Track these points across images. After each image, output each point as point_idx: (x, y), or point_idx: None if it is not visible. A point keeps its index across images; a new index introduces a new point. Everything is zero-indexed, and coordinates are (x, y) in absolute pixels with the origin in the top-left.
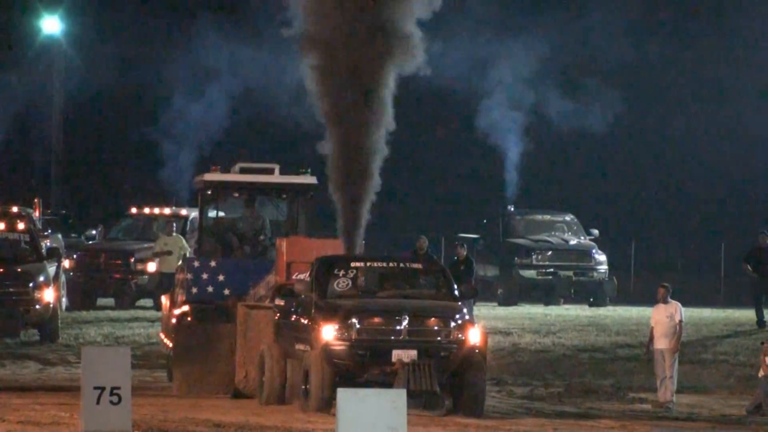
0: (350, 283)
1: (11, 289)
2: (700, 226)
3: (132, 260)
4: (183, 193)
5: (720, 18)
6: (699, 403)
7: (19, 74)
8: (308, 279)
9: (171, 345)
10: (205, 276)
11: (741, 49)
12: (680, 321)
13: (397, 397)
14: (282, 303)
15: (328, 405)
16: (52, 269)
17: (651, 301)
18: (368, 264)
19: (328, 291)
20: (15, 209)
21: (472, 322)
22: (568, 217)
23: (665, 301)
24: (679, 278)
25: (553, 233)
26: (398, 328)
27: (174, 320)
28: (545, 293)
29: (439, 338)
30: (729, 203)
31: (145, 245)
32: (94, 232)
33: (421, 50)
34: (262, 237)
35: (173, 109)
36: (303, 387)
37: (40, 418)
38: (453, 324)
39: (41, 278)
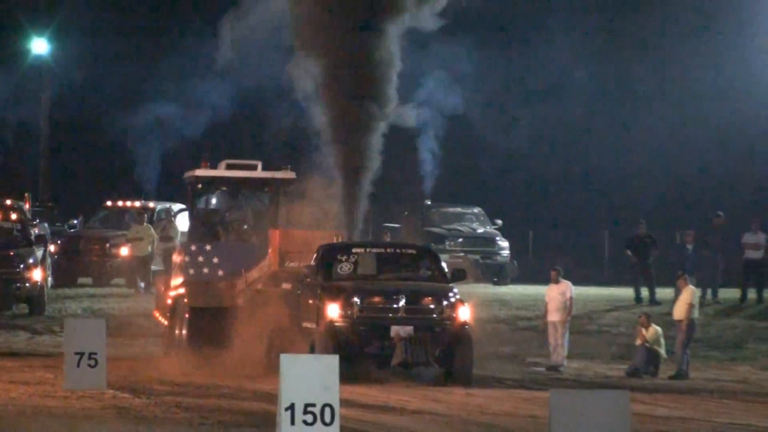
0: (352, 267)
1: (4, 270)
2: (588, 217)
3: (107, 245)
4: (151, 188)
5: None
6: (586, 367)
7: (9, 89)
8: (313, 264)
9: (165, 323)
10: (201, 259)
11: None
12: (570, 298)
13: (331, 361)
14: (289, 286)
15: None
16: (39, 253)
17: (546, 280)
18: (367, 250)
19: (332, 274)
20: (8, 202)
21: (461, 301)
22: (476, 210)
23: (557, 281)
24: (569, 261)
25: (463, 223)
26: (396, 306)
27: (170, 300)
28: None
29: (433, 315)
30: (613, 197)
31: (119, 233)
32: (75, 221)
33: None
34: (246, 226)
35: (145, 115)
36: None
37: (29, 379)
38: (445, 302)
39: (30, 260)
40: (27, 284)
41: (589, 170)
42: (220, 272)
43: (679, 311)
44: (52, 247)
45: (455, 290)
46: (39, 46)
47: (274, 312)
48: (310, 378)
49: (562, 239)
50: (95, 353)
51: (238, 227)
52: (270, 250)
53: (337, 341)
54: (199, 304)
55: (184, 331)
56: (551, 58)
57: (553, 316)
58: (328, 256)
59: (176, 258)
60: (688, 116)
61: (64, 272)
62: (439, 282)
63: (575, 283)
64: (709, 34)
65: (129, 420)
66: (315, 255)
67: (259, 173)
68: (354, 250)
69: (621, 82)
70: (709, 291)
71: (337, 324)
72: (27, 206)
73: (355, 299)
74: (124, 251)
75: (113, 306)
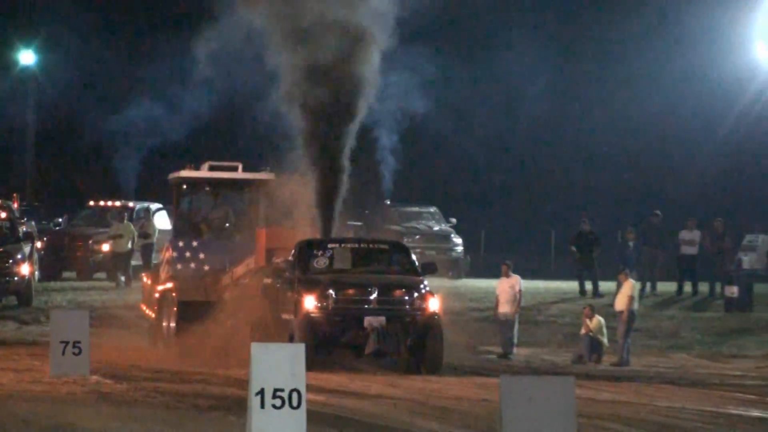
0: (327, 261)
1: None
2: (535, 215)
3: (90, 242)
4: (131, 189)
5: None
6: (534, 355)
7: None
8: (291, 259)
9: (153, 315)
10: (188, 254)
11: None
12: (519, 290)
13: (298, 349)
14: (269, 281)
15: (309, 364)
16: (27, 249)
17: (497, 274)
18: (342, 245)
19: (309, 268)
20: None
21: (431, 293)
22: (431, 209)
23: (507, 275)
24: (518, 257)
25: (420, 221)
26: (369, 298)
27: (157, 294)
28: None
29: (404, 306)
30: (557, 197)
31: (101, 230)
32: (60, 220)
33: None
34: (227, 224)
35: (125, 121)
36: None
37: (17, 366)
38: (416, 294)
39: (19, 256)
40: (15, 278)
41: (538, 173)
42: (207, 268)
43: (620, 303)
44: (38, 244)
45: (425, 283)
46: (26, 57)
47: (256, 305)
48: (278, 365)
49: (512, 236)
50: (79, 342)
51: (220, 225)
52: (257, 248)
53: (314, 331)
54: (187, 297)
55: (172, 324)
56: (506, 66)
57: (504, 308)
58: (305, 251)
59: (165, 254)
60: (630, 123)
61: (50, 267)
62: (410, 275)
63: (524, 277)
64: (650, 41)
65: (111, 404)
66: (293, 250)
67: (240, 174)
68: (329, 245)
69: (566, 89)
70: (648, 284)
71: (313, 315)
72: (15, 205)
73: (331, 291)
74: (106, 247)
75: (95, 298)
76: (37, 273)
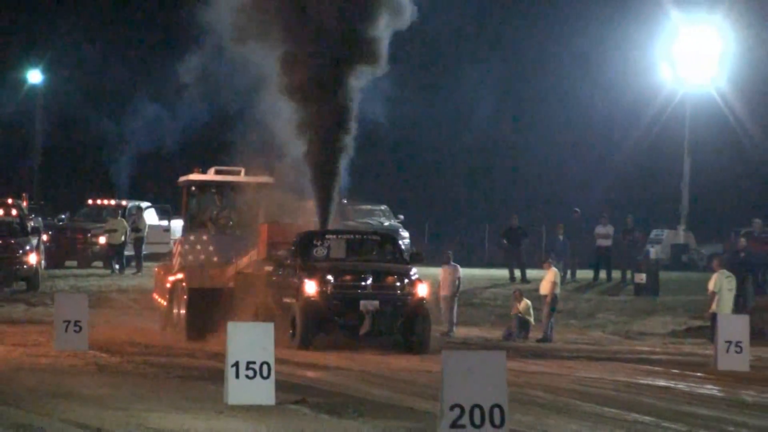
0: (325, 251)
1: (6, 255)
2: (473, 212)
3: (89, 235)
4: (124, 189)
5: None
6: (471, 333)
7: (9, 112)
8: (293, 249)
9: (164, 303)
10: (197, 248)
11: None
12: (458, 277)
13: (267, 327)
14: (270, 269)
15: (308, 342)
16: (35, 241)
17: (439, 263)
18: (338, 236)
19: (309, 257)
20: (9, 201)
21: (420, 280)
22: (382, 207)
23: (448, 263)
24: (458, 248)
25: (373, 218)
26: (364, 284)
27: (168, 285)
28: None
29: (396, 292)
30: (492, 196)
31: (98, 225)
32: (63, 216)
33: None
34: (231, 222)
35: (120, 129)
36: (290, 331)
37: (26, 342)
38: (406, 281)
39: (27, 247)
40: (25, 266)
41: (475, 177)
42: (215, 259)
43: (544, 288)
44: (44, 237)
45: (414, 270)
46: (34, 76)
47: (260, 291)
48: (251, 341)
49: (452, 230)
50: (79, 321)
51: (225, 222)
52: (259, 241)
53: (314, 313)
54: (196, 285)
55: (182, 311)
56: (454, 83)
57: (445, 292)
58: (306, 241)
59: (176, 248)
60: (555, 135)
61: (54, 257)
62: (400, 263)
63: (462, 265)
64: (577, 67)
65: (106, 374)
66: (294, 241)
67: (242, 177)
68: (327, 237)
69: (505, 106)
70: (569, 272)
71: (313, 299)
72: (24, 204)
73: (329, 277)
74: (102, 240)
75: (93, 284)
76: (43, 262)
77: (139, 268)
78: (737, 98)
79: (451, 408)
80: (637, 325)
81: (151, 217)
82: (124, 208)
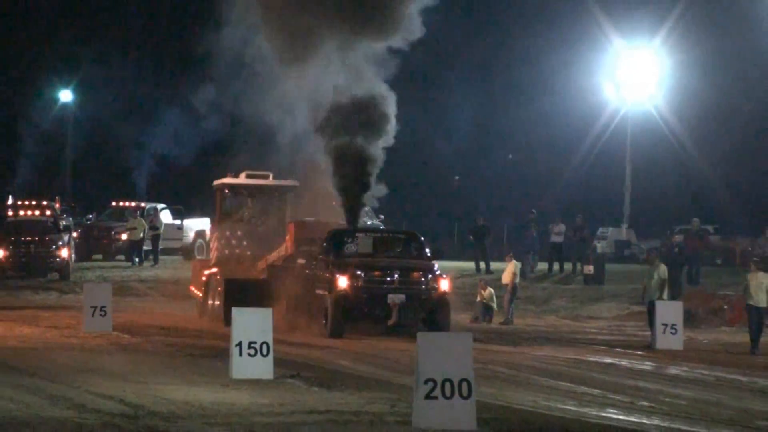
0: (355, 247)
1: (42, 249)
2: (443, 211)
3: (113, 232)
4: (143, 192)
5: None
6: None
7: (44, 126)
8: (324, 245)
9: (200, 295)
10: (230, 244)
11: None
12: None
13: (266, 312)
14: (303, 262)
15: (340, 332)
16: (66, 238)
17: None
18: (367, 234)
19: (340, 253)
20: (44, 203)
21: (442, 275)
22: (366, 208)
23: None
24: (430, 243)
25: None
26: (391, 279)
27: (204, 278)
28: None
29: (420, 286)
30: (461, 199)
31: (120, 224)
32: (90, 216)
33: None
34: (260, 221)
35: (141, 140)
36: (323, 321)
37: (58, 324)
38: (430, 276)
39: (60, 243)
40: (58, 259)
41: (446, 181)
42: (248, 253)
43: (506, 278)
44: (75, 234)
45: (437, 266)
46: (65, 95)
47: (292, 282)
48: (252, 324)
49: (428, 227)
50: (105, 306)
51: (255, 221)
52: (287, 237)
53: (345, 305)
54: (231, 276)
55: (217, 302)
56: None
57: None
58: (337, 238)
59: (212, 244)
60: (515, 143)
61: (83, 251)
62: (423, 260)
63: (434, 258)
64: (537, 84)
65: (128, 353)
66: (325, 238)
67: (271, 181)
68: (357, 234)
69: (476, 115)
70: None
71: (345, 292)
72: (57, 205)
73: (360, 273)
74: (124, 236)
75: (116, 274)
76: (73, 256)
77: (155, 261)
78: (672, 114)
79: (425, 382)
80: (586, 310)
81: (166, 216)
82: (143, 209)
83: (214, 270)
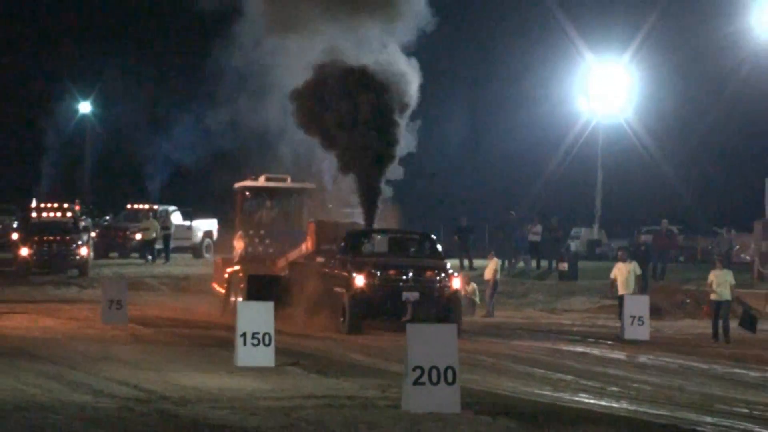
0: (372, 247)
1: (63, 248)
2: (430, 214)
3: (128, 233)
4: (155, 196)
5: None
6: None
7: (66, 136)
8: (342, 245)
9: (223, 291)
10: (255, 241)
11: None
12: None
13: (267, 306)
14: (322, 261)
15: (358, 328)
16: (85, 237)
17: None
18: (383, 234)
19: (358, 252)
20: (66, 205)
21: (454, 273)
22: (359, 210)
23: None
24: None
25: (353, 219)
26: (406, 277)
27: (226, 275)
28: None
29: (433, 284)
30: (445, 200)
31: (134, 224)
32: (107, 217)
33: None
34: (278, 221)
35: (154, 149)
36: (341, 318)
37: (78, 317)
38: (443, 274)
39: (79, 242)
40: (77, 257)
41: (433, 185)
42: (267, 253)
43: (488, 274)
44: (93, 234)
45: (449, 265)
46: (84, 107)
47: (311, 279)
48: (255, 316)
49: (413, 228)
50: (120, 300)
51: (274, 221)
52: (308, 237)
53: (362, 302)
54: (254, 272)
55: (239, 298)
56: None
57: None
58: (354, 239)
59: (237, 243)
60: (496, 150)
61: (101, 249)
62: (436, 259)
63: None
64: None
65: (142, 342)
66: (343, 238)
67: (289, 184)
68: (373, 235)
69: (460, 125)
70: (506, 261)
71: (362, 289)
72: (77, 208)
73: (376, 271)
74: (138, 236)
75: (131, 271)
76: (91, 253)
77: (167, 258)
78: (640, 124)
79: (414, 369)
80: (561, 303)
81: (176, 218)
82: (156, 211)
83: (236, 268)
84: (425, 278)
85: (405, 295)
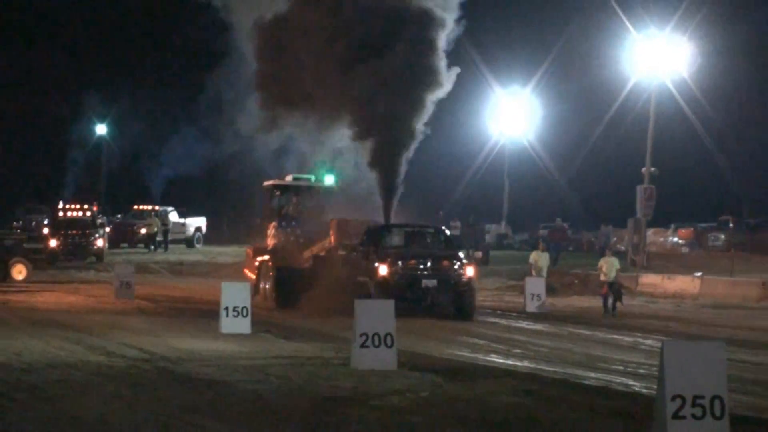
0: (392, 240)
1: (84, 240)
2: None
3: (135, 227)
4: (157, 198)
5: None
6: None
7: (84, 153)
8: (365, 238)
9: (253, 277)
10: (283, 235)
11: None
12: None
13: (245, 287)
14: (345, 253)
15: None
16: (101, 231)
17: None
18: (402, 228)
19: (380, 245)
20: (85, 206)
21: (468, 263)
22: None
23: None
24: None
25: None
26: (425, 266)
27: (257, 264)
28: None
29: (450, 273)
30: (429, 205)
31: (140, 221)
32: (118, 216)
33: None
34: (304, 216)
35: (158, 160)
36: None
37: (95, 294)
38: (458, 264)
39: (96, 235)
40: (95, 247)
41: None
42: (300, 242)
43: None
44: (107, 229)
45: (463, 255)
46: (100, 128)
47: (334, 270)
48: (234, 295)
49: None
50: (130, 281)
51: (300, 217)
52: (331, 232)
53: (386, 290)
54: (282, 264)
55: (268, 285)
56: None
57: None
58: (375, 233)
59: (270, 236)
60: (444, 164)
61: (114, 241)
62: (451, 250)
63: None
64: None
65: (146, 315)
66: (365, 232)
67: (313, 183)
68: (393, 228)
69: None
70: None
71: (385, 278)
72: (95, 208)
73: (398, 261)
74: (143, 231)
75: (138, 258)
76: (106, 244)
77: (166, 248)
78: (540, 143)
79: (360, 335)
80: (477, 283)
81: (173, 216)
82: (157, 210)
83: (266, 257)
84: (442, 267)
85: (424, 282)
